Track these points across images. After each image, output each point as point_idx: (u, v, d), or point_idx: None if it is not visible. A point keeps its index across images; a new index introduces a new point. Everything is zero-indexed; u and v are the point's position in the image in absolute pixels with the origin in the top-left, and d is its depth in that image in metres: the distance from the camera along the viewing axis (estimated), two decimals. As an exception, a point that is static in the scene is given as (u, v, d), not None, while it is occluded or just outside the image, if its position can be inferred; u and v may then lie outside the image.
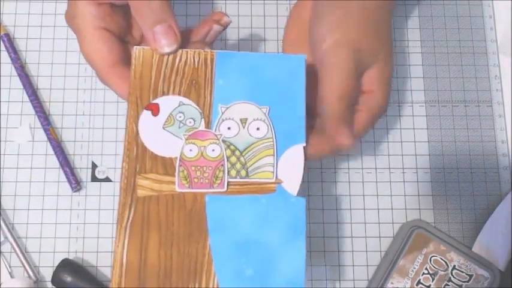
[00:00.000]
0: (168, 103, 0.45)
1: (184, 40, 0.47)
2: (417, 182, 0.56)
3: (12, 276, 0.53)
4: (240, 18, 0.60)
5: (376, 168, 0.56)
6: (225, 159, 0.45)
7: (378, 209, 0.55)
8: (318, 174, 0.56)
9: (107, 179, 0.55)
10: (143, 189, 0.44)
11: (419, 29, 0.60)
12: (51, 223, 0.54)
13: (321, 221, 0.55)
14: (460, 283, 0.51)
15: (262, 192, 0.44)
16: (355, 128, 0.48)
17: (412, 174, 0.56)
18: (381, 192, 0.56)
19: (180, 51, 0.46)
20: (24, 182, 0.55)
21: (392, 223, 0.55)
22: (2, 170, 0.55)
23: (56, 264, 0.52)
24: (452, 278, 0.52)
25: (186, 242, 0.43)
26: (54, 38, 0.59)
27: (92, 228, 0.54)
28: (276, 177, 0.44)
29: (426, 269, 0.52)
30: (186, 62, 0.46)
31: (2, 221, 0.53)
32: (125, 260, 0.43)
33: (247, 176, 0.44)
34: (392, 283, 0.51)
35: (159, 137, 0.45)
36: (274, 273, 0.43)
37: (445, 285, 0.51)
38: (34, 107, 0.56)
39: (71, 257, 0.53)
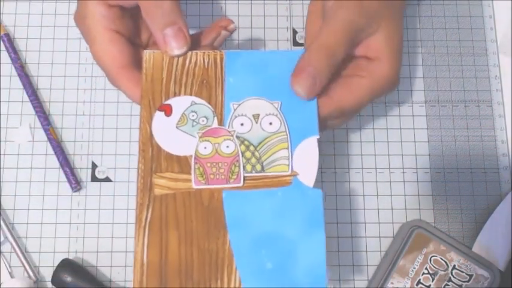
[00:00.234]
0: (180, 103, 0.46)
1: (194, 43, 0.47)
2: (417, 182, 0.56)
3: (12, 276, 0.53)
4: (240, 18, 0.60)
5: (376, 168, 0.56)
6: (240, 155, 0.45)
7: (378, 209, 0.55)
8: (318, 174, 0.55)
9: (107, 179, 0.55)
10: (160, 188, 0.44)
11: (419, 29, 0.60)
12: (51, 223, 0.54)
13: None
14: (460, 283, 0.51)
15: (278, 185, 0.44)
16: (355, 93, 0.47)
17: (412, 174, 0.56)
18: (381, 192, 0.56)
19: (190, 52, 0.47)
20: (24, 182, 0.55)
21: (392, 223, 0.55)
22: (2, 170, 0.55)
23: (56, 264, 0.52)
24: (452, 278, 0.52)
25: (205, 239, 0.43)
26: (54, 38, 0.59)
27: (92, 228, 0.54)
28: (292, 169, 0.45)
29: (426, 269, 0.52)
30: (196, 63, 0.47)
31: (2, 221, 0.53)
32: (145, 260, 0.43)
33: (262, 170, 0.45)
34: (392, 283, 0.51)
35: (173, 136, 0.45)
36: (295, 266, 0.43)
37: (445, 285, 0.51)
38: (34, 107, 0.56)
39: (71, 257, 0.53)
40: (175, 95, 0.46)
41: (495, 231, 0.53)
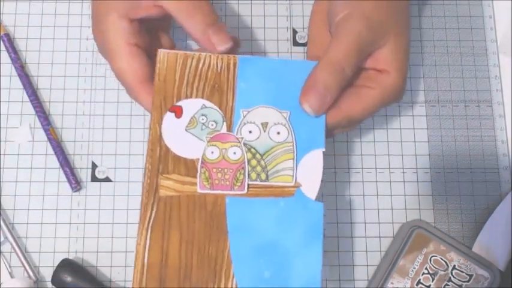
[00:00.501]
0: (191, 106, 0.46)
1: None
2: (417, 182, 0.56)
3: (12, 276, 0.53)
4: (240, 18, 0.60)
5: (376, 168, 0.56)
6: (246, 162, 0.45)
7: (378, 209, 0.55)
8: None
9: (107, 179, 0.55)
10: (165, 189, 0.45)
11: (419, 29, 0.60)
12: (51, 223, 0.54)
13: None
14: (460, 283, 0.51)
15: (281, 195, 0.45)
16: (364, 104, 0.47)
17: (412, 174, 0.56)
18: (381, 192, 0.56)
19: (204, 55, 0.47)
20: (24, 182, 0.55)
21: (392, 223, 0.55)
22: (2, 170, 0.55)
23: (56, 264, 0.52)
24: (452, 278, 0.52)
25: (206, 243, 0.44)
26: (54, 38, 0.59)
27: (92, 228, 0.54)
28: (295, 181, 0.45)
29: (426, 269, 0.52)
30: (209, 66, 0.47)
31: (2, 221, 0.53)
32: (146, 260, 0.43)
33: (267, 179, 0.45)
34: (392, 283, 0.51)
35: (181, 138, 0.46)
36: (292, 276, 0.44)
37: (445, 285, 0.51)
38: (34, 107, 0.56)
39: (71, 257, 0.53)
40: (186, 97, 0.47)
41: (495, 231, 0.53)
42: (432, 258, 0.52)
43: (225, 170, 0.45)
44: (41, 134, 0.56)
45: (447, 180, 0.56)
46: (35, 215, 0.54)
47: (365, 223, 0.55)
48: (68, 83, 0.57)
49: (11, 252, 0.53)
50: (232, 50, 0.49)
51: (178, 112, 0.46)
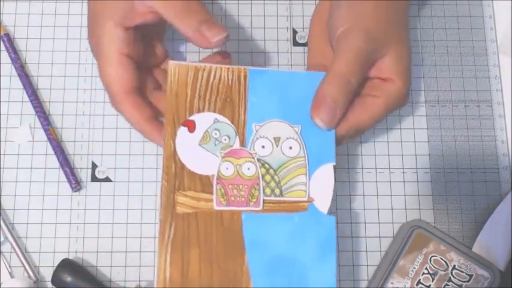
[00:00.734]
0: (203, 120, 0.47)
1: None
2: (417, 182, 0.56)
3: (12, 276, 0.53)
4: (240, 18, 0.60)
5: (376, 168, 0.56)
6: (260, 178, 0.46)
7: (378, 209, 0.55)
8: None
9: (107, 179, 0.55)
10: (182, 206, 0.45)
11: (419, 29, 0.60)
12: (51, 223, 0.54)
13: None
14: (460, 283, 0.51)
15: (295, 210, 0.46)
16: (370, 113, 0.48)
17: (412, 174, 0.56)
18: (381, 192, 0.56)
19: (214, 67, 0.47)
20: (24, 182, 0.55)
21: (392, 223, 0.55)
22: (2, 170, 0.55)
23: (56, 264, 0.52)
24: (452, 278, 0.52)
25: (224, 259, 0.44)
26: (54, 38, 0.59)
27: (92, 228, 0.54)
28: (308, 195, 0.46)
29: (426, 269, 0.52)
30: (220, 79, 0.47)
31: (2, 221, 0.53)
32: (168, 276, 0.44)
33: (281, 194, 0.46)
34: (392, 283, 0.51)
35: (196, 154, 0.46)
36: None
37: (445, 285, 0.51)
38: (34, 107, 0.56)
39: (71, 257, 0.53)
40: (198, 111, 0.47)
41: (495, 231, 0.53)
42: (432, 258, 0.52)
43: (240, 187, 0.46)
44: (41, 134, 0.56)
45: (447, 180, 0.56)
46: (35, 215, 0.54)
47: (365, 223, 0.55)
48: (68, 83, 0.57)
49: (11, 252, 0.53)
50: (223, 62, 0.49)
51: (191, 126, 0.46)
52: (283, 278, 0.45)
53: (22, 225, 0.54)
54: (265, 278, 0.44)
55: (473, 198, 0.56)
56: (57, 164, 0.55)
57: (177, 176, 0.45)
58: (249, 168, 0.46)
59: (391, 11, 0.50)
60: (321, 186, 0.46)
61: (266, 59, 0.58)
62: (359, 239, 0.55)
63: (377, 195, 0.56)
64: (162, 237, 0.44)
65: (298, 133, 0.47)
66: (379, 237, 0.55)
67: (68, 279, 0.51)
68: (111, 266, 0.53)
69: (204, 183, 0.45)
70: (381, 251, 0.54)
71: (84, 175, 0.55)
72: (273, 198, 0.46)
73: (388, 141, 0.57)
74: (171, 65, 0.47)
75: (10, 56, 0.57)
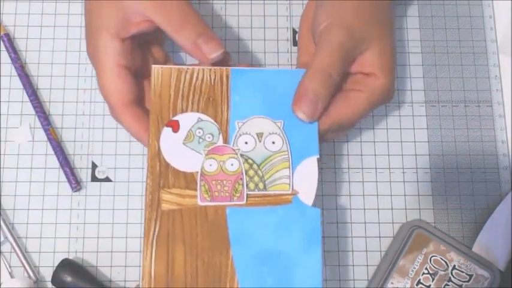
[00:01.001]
0: (187, 120, 0.47)
1: None
2: (417, 182, 0.56)
3: (12, 276, 0.53)
4: (240, 18, 0.60)
5: (376, 168, 0.56)
6: (244, 173, 0.46)
7: (378, 209, 0.55)
8: (318, 174, 0.56)
9: (107, 179, 0.55)
10: (167, 203, 0.46)
11: (419, 29, 0.60)
12: (51, 223, 0.54)
13: (321, 221, 0.55)
14: (460, 283, 0.51)
15: (279, 203, 0.46)
16: (353, 107, 0.48)
17: (412, 174, 0.56)
18: (381, 192, 0.56)
19: (197, 69, 0.48)
20: (24, 182, 0.55)
21: (392, 223, 0.55)
22: (2, 170, 0.55)
23: (56, 264, 0.52)
24: (452, 278, 0.52)
25: (209, 254, 0.45)
26: (54, 38, 0.59)
27: (92, 228, 0.54)
28: (292, 188, 0.46)
29: (426, 269, 0.52)
30: (202, 79, 0.48)
31: (2, 221, 0.53)
32: (153, 272, 0.44)
33: (265, 188, 0.46)
34: (392, 283, 0.51)
35: (180, 152, 0.47)
36: (294, 281, 0.45)
37: (445, 285, 0.51)
38: (34, 107, 0.56)
39: (71, 257, 0.53)
40: (182, 111, 0.47)
41: (495, 231, 0.53)
42: (432, 258, 0.52)
43: (224, 182, 0.46)
44: (41, 134, 0.56)
45: (447, 180, 0.56)
46: (35, 215, 0.54)
47: (365, 223, 0.55)
48: (68, 83, 0.57)
49: (11, 252, 0.53)
50: (224, 62, 0.49)
51: (175, 127, 0.47)
52: (269, 271, 0.45)
53: (22, 225, 0.54)
54: (250, 272, 0.45)
55: (473, 198, 0.56)
56: (57, 164, 0.55)
57: (161, 175, 0.46)
58: (232, 164, 0.47)
59: (374, 11, 0.50)
60: (305, 179, 0.47)
61: (266, 59, 0.58)
62: (359, 239, 0.55)
63: (377, 195, 0.56)
64: (147, 235, 0.45)
65: (281, 128, 0.47)
66: (379, 237, 0.55)
67: (68, 279, 0.51)
68: (111, 266, 0.53)
69: (188, 180, 0.46)
70: (380, 251, 0.54)
71: (84, 175, 0.55)
72: (256, 192, 0.46)
73: (388, 141, 0.57)
74: (154, 68, 0.48)
75: (10, 56, 0.57)
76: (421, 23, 0.60)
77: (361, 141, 0.57)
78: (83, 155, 0.56)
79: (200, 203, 0.46)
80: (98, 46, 0.49)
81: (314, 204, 0.46)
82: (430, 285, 0.51)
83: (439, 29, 0.60)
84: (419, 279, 0.52)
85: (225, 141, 0.47)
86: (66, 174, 0.55)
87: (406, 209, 0.55)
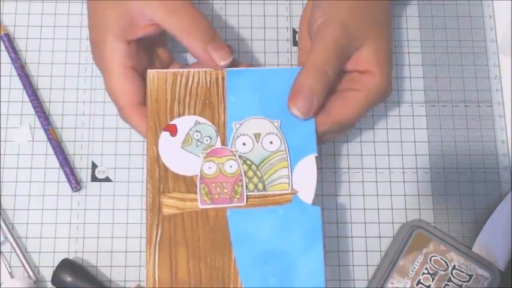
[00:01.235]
0: (184, 123, 0.47)
1: None
2: (417, 182, 0.56)
3: (12, 276, 0.53)
4: (240, 18, 0.60)
5: (376, 168, 0.56)
6: (243, 174, 0.47)
7: (378, 209, 0.55)
8: (318, 174, 0.56)
9: (107, 179, 0.55)
10: (168, 208, 0.46)
11: (419, 29, 0.60)
12: (51, 223, 0.54)
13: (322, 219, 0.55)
14: (460, 283, 0.51)
15: (279, 203, 0.46)
16: (352, 107, 0.48)
17: (412, 174, 0.56)
18: (381, 192, 0.56)
19: (192, 72, 0.48)
20: (24, 182, 0.55)
21: (392, 223, 0.55)
22: (2, 170, 0.55)
23: (56, 264, 0.52)
24: (452, 278, 0.52)
25: (212, 256, 0.45)
26: (54, 38, 0.59)
27: (92, 228, 0.54)
28: (292, 187, 0.46)
29: (426, 269, 0.52)
30: (198, 82, 0.48)
31: (2, 221, 0.53)
32: (157, 277, 0.45)
33: (264, 189, 0.47)
34: (392, 283, 0.51)
35: (178, 156, 0.47)
36: (296, 280, 0.45)
37: (445, 285, 0.51)
38: (34, 107, 0.56)
39: (71, 257, 0.53)
40: (179, 115, 0.48)
41: (495, 231, 0.53)
42: (432, 258, 0.52)
43: (224, 184, 0.46)
44: (41, 134, 0.56)
45: (447, 180, 0.56)
46: (35, 215, 0.54)
47: (365, 223, 0.55)
48: (68, 83, 0.57)
49: (11, 252, 0.53)
50: (232, 65, 0.49)
51: (172, 131, 0.47)
52: (272, 270, 0.45)
53: (22, 225, 0.54)
54: (253, 272, 0.45)
55: (473, 198, 0.56)
56: (57, 164, 0.55)
57: (161, 180, 0.46)
58: (231, 166, 0.47)
59: (370, 11, 0.50)
60: (304, 178, 0.47)
61: (266, 59, 0.58)
62: (359, 239, 0.55)
63: (377, 195, 0.56)
64: (150, 240, 0.45)
65: (278, 128, 0.47)
66: (379, 237, 0.55)
67: (68, 279, 0.51)
68: (111, 266, 0.53)
69: (188, 184, 0.46)
70: (380, 251, 0.54)
71: (84, 175, 0.55)
72: (256, 193, 0.46)
73: (388, 141, 0.57)
74: (150, 72, 0.48)
75: (10, 56, 0.57)
76: (421, 23, 0.60)
77: (361, 141, 0.57)
78: (83, 155, 0.56)
79: (201, 206, 0.46)
80: (103, 49, 0.49)
81: (314, 203, 0.46)
82: (430, 285, 0.51)
83: (439, 29, 0.60)
84: (419, 279, 0.52)
85: (223, 143, 0.47)
86: (66, 174, 0.55)
87: (406, 209, 0.55)
